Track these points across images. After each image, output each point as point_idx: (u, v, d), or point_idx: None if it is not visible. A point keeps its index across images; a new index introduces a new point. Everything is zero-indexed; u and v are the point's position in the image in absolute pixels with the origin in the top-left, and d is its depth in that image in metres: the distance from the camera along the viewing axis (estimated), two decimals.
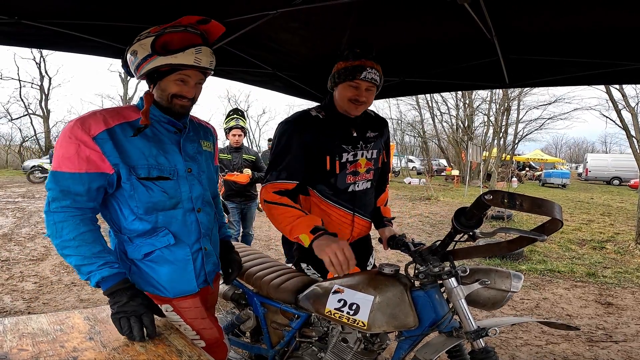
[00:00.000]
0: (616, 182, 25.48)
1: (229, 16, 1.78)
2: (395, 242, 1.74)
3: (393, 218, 1.99)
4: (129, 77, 31.46)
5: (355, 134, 1.77)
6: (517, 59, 2.28)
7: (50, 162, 19.73)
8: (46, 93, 27.57)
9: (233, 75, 2.60)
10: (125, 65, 1.40)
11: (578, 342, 3.08)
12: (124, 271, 1.23)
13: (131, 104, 1.43)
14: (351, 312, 1.36)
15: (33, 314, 1.26)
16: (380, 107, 33.96)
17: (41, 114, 27.67)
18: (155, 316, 1.22)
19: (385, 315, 1.33)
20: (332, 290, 1.44)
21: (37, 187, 13.71)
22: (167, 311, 1.38)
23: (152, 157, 1.31)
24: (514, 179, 18.57)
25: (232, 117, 3.80)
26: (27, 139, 27.53)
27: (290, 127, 1.69)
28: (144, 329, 1.14)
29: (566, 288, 4.36)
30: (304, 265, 1.83)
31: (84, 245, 1.18)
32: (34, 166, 20.30)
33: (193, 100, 1.37)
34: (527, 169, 29.11)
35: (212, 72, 1.38)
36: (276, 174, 1.64)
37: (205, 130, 1.57)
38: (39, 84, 27.32)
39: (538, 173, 24.75)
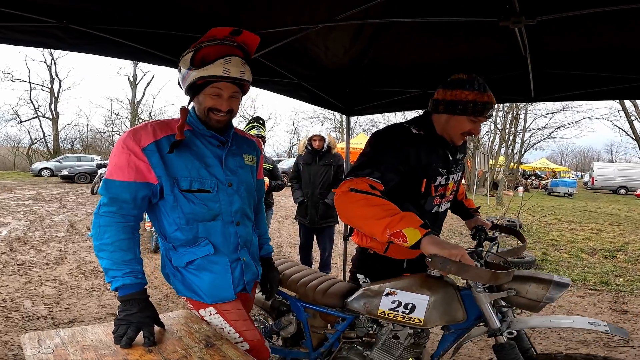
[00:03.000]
0: (622, 191, 25.35)
1: (268, 27, 1.82)
2: (474, 235, 1.89)
3: (478, 207, 2.07)
4: (137, 81, 31.91)
5: (450, 158, 1.71)
6: (545, 73, 2.30)
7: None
8: (56, 96, 27.87)
9: (263, 84, 2.65)
10: (179, 84, 1.45)
11: (596, 347, 3.09)
12: (145, 283, 1.29)
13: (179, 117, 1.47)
14: (407, 311, 1.49)
15: (87, 325, 1.29)
16: (387, 113, 33.90)
17: (50, 117, 27.95)
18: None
19: (439, 312, 1.47)
20: (385, 293, 1.55)
21: (46, 189, 13.79)
22: (210, 315, 1.43)
23: (195, 169, 1.36)
24: (520, 187, 18.52)
25: (253, 125, 3.83)
26: (35, 141, 27.80)
27: (392, 139, 1.57)
28: (146, 338, 1.19)
29: (580, 296, 4.39)
30: (360, 277, 1.82)
31: (118, 252, 1.25)
32: (42, 168, 20.54)
33: (230, 113, 1.40)
34: (533, 177, 28.99)
35: (249, 83, 1.40)
36: (369, 172, 1.44)
37: (249, 144, 1.60)
38: (49, 86, 27.63)
39: (544, 182, 24.66)
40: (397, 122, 1.81)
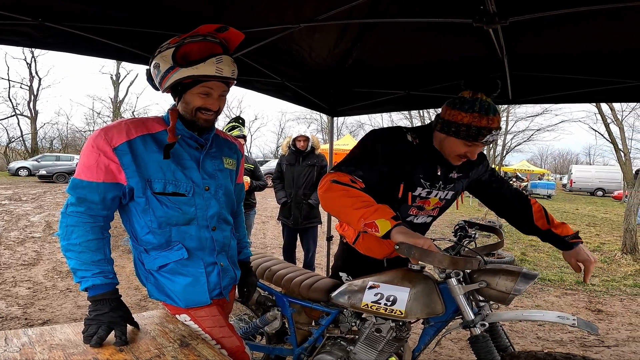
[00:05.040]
0: (600, 193, 26.10)
1: (252, 26, 1.81)
2: (455, 232, 1.80)
3: (577, 233, 1.73)
4: (120, 80, 31.29)
5: (439, 173, 1.63)
6: (522, 76, 2.35)
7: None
8: (35, 94, 27.18)
9: (247, 84, 2.63)
10: (150, 79, 1.39)
11: (572, 347, 3.17)
12: (117, 282, 1.25)
13: (157, 115, 1.42)
14: (389, 303, 1.53)
15: (57, 324, 1.26)
16: (372, 115, 34.15)
17: (29, 115, 27.23)
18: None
19: (420, 304, 1.52)
20: (368, 286, 1.59)
21: (23, 189, 13.40)
22: (185, 321, 1.39)
23: (170, 171, 1.30)
24: None
25: (234, 125, 3.79)
26: (13, 139, 27.06)
27: (381, 140, 1.58)
28: (118, 337, 1.15)
29: (557, 296, 4.49)
30: (343, 275, 1.84)
31: (87, 252, 1.21)
32: (19, 168, 19.96)
33: (217, 112, 1.36)
34: (514, 179, 29.56)
35: (235, 82, 1.37)
36: (352, 169, 1.49)
37: (230, 147, 1.54)
38: (29, 84, 26.92)
39: (524, 184, 25.18)
40: (396, 125, 1.81)
